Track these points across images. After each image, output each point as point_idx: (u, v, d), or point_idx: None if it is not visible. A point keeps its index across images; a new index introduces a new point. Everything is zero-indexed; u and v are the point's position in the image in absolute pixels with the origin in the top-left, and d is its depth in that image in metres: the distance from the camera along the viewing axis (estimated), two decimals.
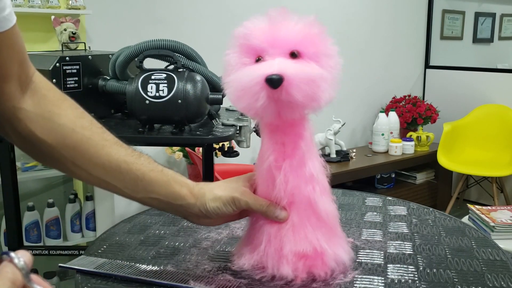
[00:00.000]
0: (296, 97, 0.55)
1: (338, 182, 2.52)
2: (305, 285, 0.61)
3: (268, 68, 0.55)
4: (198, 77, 1.19)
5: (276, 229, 0.62)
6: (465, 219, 1.97)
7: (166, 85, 1.16)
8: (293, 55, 0.58)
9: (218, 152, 1.73)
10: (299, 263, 0.61)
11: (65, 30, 1.52)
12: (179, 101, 1.15)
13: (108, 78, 1.33)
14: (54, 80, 1.22)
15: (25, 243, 1.48)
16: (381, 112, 3.01)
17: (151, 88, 1.17)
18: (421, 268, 0.66)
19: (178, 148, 2.21)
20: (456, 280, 0.63)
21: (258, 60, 0.58)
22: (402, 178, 3.11)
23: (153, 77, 1.18)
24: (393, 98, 3.22)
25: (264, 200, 0.62)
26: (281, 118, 0.58)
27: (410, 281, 0.62)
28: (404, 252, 0.71)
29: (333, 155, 2.69)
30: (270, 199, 0.61)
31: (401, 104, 3.14)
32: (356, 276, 0.63)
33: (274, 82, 0.54)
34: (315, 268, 0.62)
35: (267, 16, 0.59)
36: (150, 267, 0.65)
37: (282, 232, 0.61)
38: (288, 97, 0.55)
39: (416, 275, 0.64)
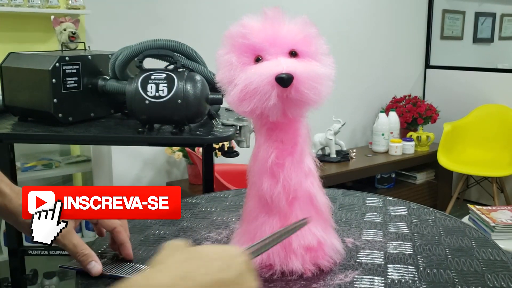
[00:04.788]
0: (305, 95, 0.56)
1: (338, 182, 2.51)
2: (305, 285, 0.61)
3: (276, 67, 0.56)
4: (198, 77, 1.19)
5: (280, 226, 0.62)
6: (465, 219, 1.97)
7: (166, 85, 1.16)
8: (292, 54, 0.59)
9: (218, 152, 1.73)
10: (306, 256, 0.63)
11: (64, 30, 1.51)
12: (179, 101, 1.15)
13: (108, 78, 1.32)
14: (53, 80, 1.22)
15: (25, 243, 1.47)
16: (381, 112, 3.00)
17: (151, 88, 1.16)
18: (421, 268, 0.66)
19: (178, 148, 2.21)
20: (456, 280, 0.63)
21: (257, 59, 0.59)
22: (402, 178, 3.11)
23: (152, 77, 1.17)
24: (393, 98, 3.22)
25: (84, 247, 0.60)
26: (287, 116, 0.59)
27: (410, 281, 0.62)
28: (404, 252, 0.71)
29: (333, 155, 2.69)
30: (273, 197, 0.62)
31: (401, 104, 3.14)
32: (356, 276, 0.63)
33: (285, 81, 0.55)
34: (319, 259, 0.64)
35: (263, 15, 0.60)
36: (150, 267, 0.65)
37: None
38: (297, 95, 0.56)
39: (416, 275, 0.64)
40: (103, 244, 0.72)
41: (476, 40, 3.68)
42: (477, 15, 3.64)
